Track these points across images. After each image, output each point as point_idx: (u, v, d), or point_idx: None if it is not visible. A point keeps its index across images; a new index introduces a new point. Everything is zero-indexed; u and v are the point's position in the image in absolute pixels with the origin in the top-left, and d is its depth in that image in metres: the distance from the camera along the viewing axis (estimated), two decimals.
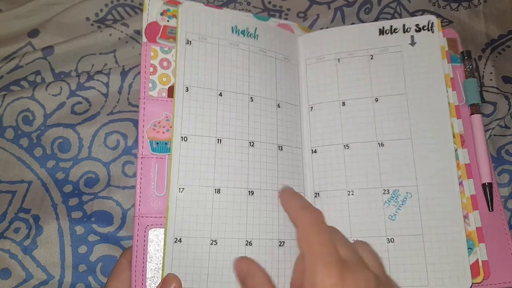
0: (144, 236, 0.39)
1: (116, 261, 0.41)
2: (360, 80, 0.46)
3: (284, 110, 0.45)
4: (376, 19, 0.61)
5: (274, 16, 0.61)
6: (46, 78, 0.53)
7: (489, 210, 0.45)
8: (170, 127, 0.41)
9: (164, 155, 0.41)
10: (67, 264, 0.45)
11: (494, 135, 0.52)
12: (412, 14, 0.62)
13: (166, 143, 0.41)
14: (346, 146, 0.44)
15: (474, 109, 0.47)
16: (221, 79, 0.43)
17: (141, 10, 0.42)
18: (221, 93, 0.42)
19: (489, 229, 0.44)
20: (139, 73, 0.52)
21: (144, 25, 0.43)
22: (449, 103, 0.45)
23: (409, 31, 0.46)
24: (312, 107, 0.46)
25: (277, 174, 0.43)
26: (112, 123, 0.52)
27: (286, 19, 0.61)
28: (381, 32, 0.47)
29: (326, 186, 0.44)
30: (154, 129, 0.41)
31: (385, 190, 0.43)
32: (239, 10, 0.61)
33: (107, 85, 0.53)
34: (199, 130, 0.41)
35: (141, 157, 0.40)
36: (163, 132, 0.41)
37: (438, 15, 0.62)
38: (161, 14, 0.43)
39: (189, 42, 0.42)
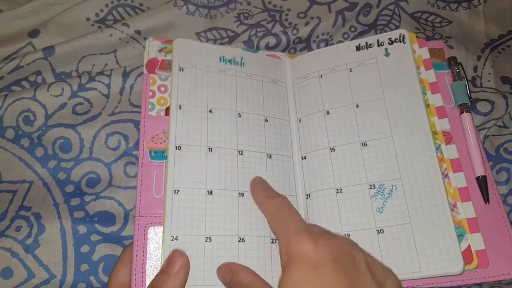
0: (144, 234, 0.42)
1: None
2: (341, 91, 0.50)
3: (272, 124, 0.49)
4: (375, 21, 0.63)
5: (274, 16, 0.63)
6: (47, 78, 0.54)
7: (485, 202, 0.46)
8: (167, 138, 0.46)
9: (162, 162, 0.45)
10: (69, 264, 0.46)
11: (493, 134, 0.53)
12: (411, 16, 0.64)
13: (163, 152, 0.45)
14: (332, 149, 0.47)
15: (463, 108, 0.50)
16: (211, 98, 0.48)
17: (142, 10, 0.45)
18: (211, 110, 0.47)
19: (487, 221, 0.45)
20: (140, 74, 0.54)
21: (145, 60, 0.50)
22: (428, 104, 0.48)
23: (383, 44, 0.51)
24: (300, 120, 0.50)
25: (267, 179, 0.46)
26: (113, 124, 0.53)
27: (286, 19, 0.63)
28: (358, 48, 0.51)
29: (316, 187, 0.46)
30: (152, 141, 0.46)
31: (371, 185, 0.45)
32: (239, 10, 0.64)
33: (108, 86, 0.54)
34: (191, 140, 0.46)
35: (142, 165, 0.45)
36: (160, 143, 0.46)
37: (437, 16, 0.64)
38: (160, 51, 0.50)
39: (181, 69, 0.48)
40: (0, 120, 0.51)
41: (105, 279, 0.47)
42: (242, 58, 0.51)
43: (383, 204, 0.44)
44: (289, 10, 0.64)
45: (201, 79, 0.49)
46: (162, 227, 0.42)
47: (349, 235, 0.43)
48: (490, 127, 0.54)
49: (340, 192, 0.45)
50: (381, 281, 0.36)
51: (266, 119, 0.49)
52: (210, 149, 0.46)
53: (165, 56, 0.50)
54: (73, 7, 0.59)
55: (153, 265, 0.41)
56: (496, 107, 0.54)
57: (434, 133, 0.47)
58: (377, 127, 0.47)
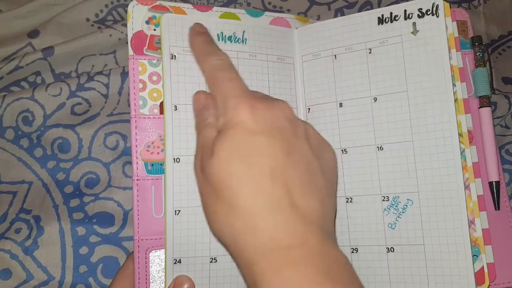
0: (146, 258, 0.40)
1: (116, 262, 0.43)
2: (357, 79, 0.43)
3: None
4: None
5: None
6: (46, 79, 0.54)
7: (496, 209, 0.44)
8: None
9: (160, 176, 0.41)
10: (68, 265, 0.46)
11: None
12: None
13: (161, 164, 0.41)
14: (344, 151, 0.43)
15: (484, 101, 0.45)
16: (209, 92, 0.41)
17: None
18: None
19: (495, 229, 0.43)
20: None
21: (130, 35, 0.41)
22: (457, 99, 0.42)
23: (411, 17, 0.42)
24: (309, 109, 0.44)
25: None
26: (112, 124, 0.52)
27: None
28: (380, 21, 0.43)
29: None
30: (148, 151, 0.40)
31: (384, 197, 0.42)
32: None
33: (107, 86, 0.53)
34: (191, 149, 0.40)
35: (137, 180, 0.40)
36: (158, 153, 0.41)
37: None
38: (147, 22, 0.41)
39: (173, 57, 0.41)
40: (0, 121, 0.51)
41: (104, 280, 0.48)
42: (243, 32, 0.43)
43: (396, 220, 0.41)
44: (289, 10, 0.62)
45: (197, 68, 0.41)
46: (163, 250, 0.40)
47: (357, 250, 0.42)
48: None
49: (351, 201, 0.42)
50: (319, 154, 0.37)
51: None
52: None
53: (154, 30, 0.42)
54: (73, 7, 0.58)
55: None
56: (498, 107, 0.54)
57: (460, 135, 0.41)
58: (396, 129, 0.42)
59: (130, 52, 0.41)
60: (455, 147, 0.41)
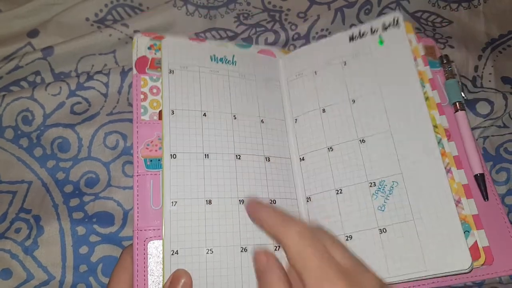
0: (144, 249, 0.41)
1: (116, 261, 0.42)
2: (336, 86, 0.48)
3: (269, 125, 0.48)
4: None
5: (274, 16, 0.63)
6: (46, 79, 0.54)
7: (484, 200, 0.46)
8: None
9: (158, 171, 0.43)
10: (68, 265, 0.46)
11: (492, 134, 0.53)
12: (412, 15, 0.64)
13: (159, 160, 0.44)
14: (330, 149, 0.46)
15: (458, 107, 0.49)
16: (204, 101, 0.46)
17: (141, 10, 0.44)
18: (205, 113, 0.46)
19: (487, 218, 0.45)
20: None
21: (134, 59, 0.47)
22: (427, 97, 0.47)
23: (377, 32, 0.49)
24: (296, 119, 0.49)
25: (266, 183, 0.45)
26: (112, 124, 0.53)
27: (286, 19, 0.63)
28: (351, 38, 0.50)
29: (316, 189, 0.45)
30: (147, 148, 0.44)
31: (371, 183, 0.44)
32: (239, 10, 0.64)
33: (106, 85, 0.54)
34: (186, 147, 0.44)
35: (137, 175, 0.43)
36: (156, 150, 0.44)
37: (438, 15, 0.64)
38: (149, 48, 0.48)
39: (171, 72, 0.47)
40: None
41: (104, 280, 0.47)
42: (233, 56, 0.50)
43: (384, 202, 0.43)
44: (289, 10, 0.64)
45: (192, 81, 0.47)
46: (162, 240, 0.42)
47: (351, 237, 0.43)
48: (490, 127, 0.53)
49: (340, 193, 0.44)
50: None
51: (262, 120, 0.48)
52: (206, 156, 0.44)
53: (155, 54, 0.48)
54: (73, 7, 0.58)
55: (155, 281, 0.41)
56: (496, 107, 0.54)
57: (435, 126, 0.45)
58: (375, 122, 0.46)
59: (134, 71, 0.47)
60: (430, 133, 0.44)
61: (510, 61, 0.59)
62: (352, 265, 0.35)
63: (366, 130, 0.46)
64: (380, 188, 0.44)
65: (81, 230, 0.48)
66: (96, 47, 0.56)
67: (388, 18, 0.49)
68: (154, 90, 0.47)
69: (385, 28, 0.49)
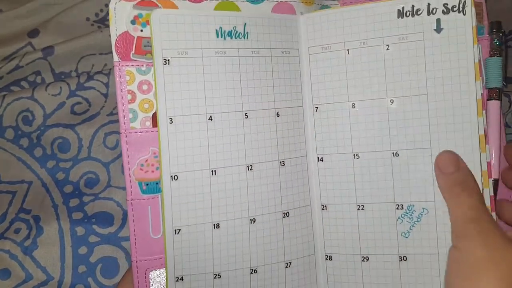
0: (145, 279, 0.38)
1: (115, 262, 0.44)
2: (373, 77, 0.39)
3: (284, 117, 0.40)
4: None
5: None
6: (46, 78, 0.53)
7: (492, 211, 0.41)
8: (159, 164, 0.37)
9: (157, 195, 0.37)
10: (67, 265, 0.46)
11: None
12: None
13: (157, 183, 0.37)
14: (356, 156, 0.39)
15: (493, 93, 0.41)
16: (209, 100, 0.37)
17: None
18: (210, 116, 0.37)
19: None
20: None
21: (113, 38, 0.36)
22: (477, 99, 0.38)
23: (435, 12, 0.37)
24: (317, 108, 0.40)
25: (280, 194, 0.40)
26: (112, 124, 0.51)
27: None
28: (401, 14, 0.38)
29: (334, 199, 0.40)
30: (142, 169, 0.37)
31: (398, 205, 0.39)
32: None
33: (107, 85, 0.52)
34: (189, 164, 0.37)
35: (131, 200, 0.37)
36: (153, 171, 0.37)
37: None
38: (132, 22, 0.36)
39: (167, 62, 0.36)
40: (0, 120, 0.50)
41: (103, 280, 0.48)
42: (245, 25, 0.38)
43: (410, 229, 0.39)
44: None
45: (195, 73, 0.37)
46: (164, 268, 0.38)
47: (367, 259, 0.40)
48: None
49: (362, 209, 0.40)
50: None
51: (277, 112, 0.39)
52: (213, 172, 0.38)
53: (141, 31, 0.36)
54: (73, 7, 0.57)
55: None
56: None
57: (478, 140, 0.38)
58: (414, 134, 0.38)
59: (115, 58, 0.36)
60: (475, 155, 0.38)
61: (511, 61, 0.52)
62: None
63: (402, 142, 0.38)
64: (407, 213, 0.39)
65: (80, 230, 0.48)
66: (96, 47, 0.55)
67: None
68: (145, 87, 0.37)
69: (446, 10, 0.37)
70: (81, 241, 0.47)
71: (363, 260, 0.40)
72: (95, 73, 0.53)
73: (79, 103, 0.52)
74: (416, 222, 0.39)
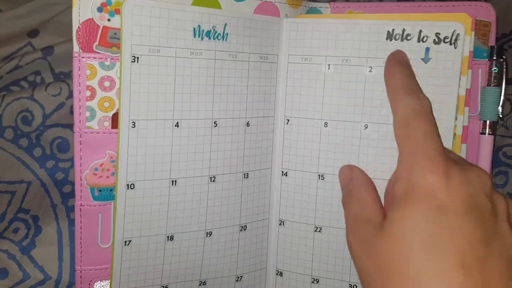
0: None
1: None
2: (351, 98, 0.37)
3: (254, 128, 0.37)
4: None
5: None
6: (46, 78, 0.51)
7: None
8: (115, 169, 0.33)
9: (109, 202, 0.34)
10: (64, 264, 0.43)
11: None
12: None
13: (111, 190, 0.34)
14: (321, 176, 0.38)
15: (487, 127, 0.38)
16: (178, 105, 0.34)
17: None
18: (177, 123, 0.34)
19: None
20: None
21: (75, 25, 0.31)
22: (455, 134, 0.37)
23: (425, 40, 0.36)
24: (288, 120, 0.38)
25: (240, 207, 0.38)
26: None
27: None
28: (389, 36, 0.36)
29: (293, 217, 0.39)
30: (95, 174, 0.33)
31: None
32: None
33: None
34: (149, 173, 0.34)
35: (80, 205, 0.33)
36: (107, 177, 0.33)
37: None
38: (99, 9, 0.31)
39: (135, 59, 0.32)
40: None
41: None
42: (225, 26, 0.34)
43: None
44: None
45: (166, 74, 0.33)
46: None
47: (318, 281, 0.39)
48: None
49: (319, 231, 0.39)
50: None
51: (247, 122, 0.37)
52: (174, 182, 0.35)
53: (109, 20, 0.32)
54: None
55: None
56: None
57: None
58: (383, 163, 0.37)
59: (75, 48, 0.32)
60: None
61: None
62: (458, 160, 0.31)
63: (374, 170, 0.37)
64: None
65: None
66: None
67: (445, 29, 0.35)
68: (106, 83, 0.32)
69: (438, 40, 0.36)
70: None
71: (312, 282, 0.40)
72: None
73: None
74: None
